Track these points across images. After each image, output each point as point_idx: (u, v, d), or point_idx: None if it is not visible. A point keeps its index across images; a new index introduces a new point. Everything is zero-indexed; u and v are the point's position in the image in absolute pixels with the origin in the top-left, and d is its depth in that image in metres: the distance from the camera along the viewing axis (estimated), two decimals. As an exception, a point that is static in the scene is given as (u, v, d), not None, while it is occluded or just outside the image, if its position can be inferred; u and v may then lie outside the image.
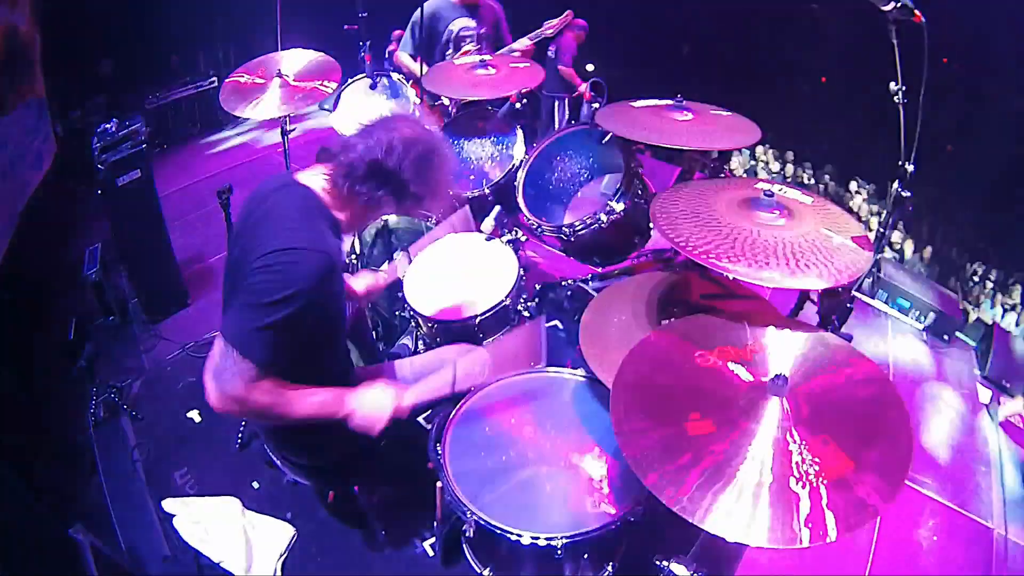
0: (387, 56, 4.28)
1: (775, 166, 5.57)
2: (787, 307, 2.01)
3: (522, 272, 2.31)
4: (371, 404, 1.59)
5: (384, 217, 2.73)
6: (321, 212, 1.54)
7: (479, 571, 1.78)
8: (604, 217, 2.24)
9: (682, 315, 1.58)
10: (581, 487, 1.69)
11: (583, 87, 3.14)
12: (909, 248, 4.55)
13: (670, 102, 2.21)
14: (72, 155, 4.22)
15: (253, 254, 1.43)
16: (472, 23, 3.30)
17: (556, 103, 5.78)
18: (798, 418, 1.25)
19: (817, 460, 1.18)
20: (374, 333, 2.77)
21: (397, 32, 3.40)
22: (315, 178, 1.57)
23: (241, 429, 2.53)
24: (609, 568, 1.70)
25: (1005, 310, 3.96)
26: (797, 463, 1.17)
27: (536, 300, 2.42)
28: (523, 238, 2.43)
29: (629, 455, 1.22)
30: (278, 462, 1.94)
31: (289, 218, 1.48)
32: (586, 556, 1.62)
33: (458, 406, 1.90)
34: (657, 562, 1.43)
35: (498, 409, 1.91)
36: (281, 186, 1.57)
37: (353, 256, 2.69)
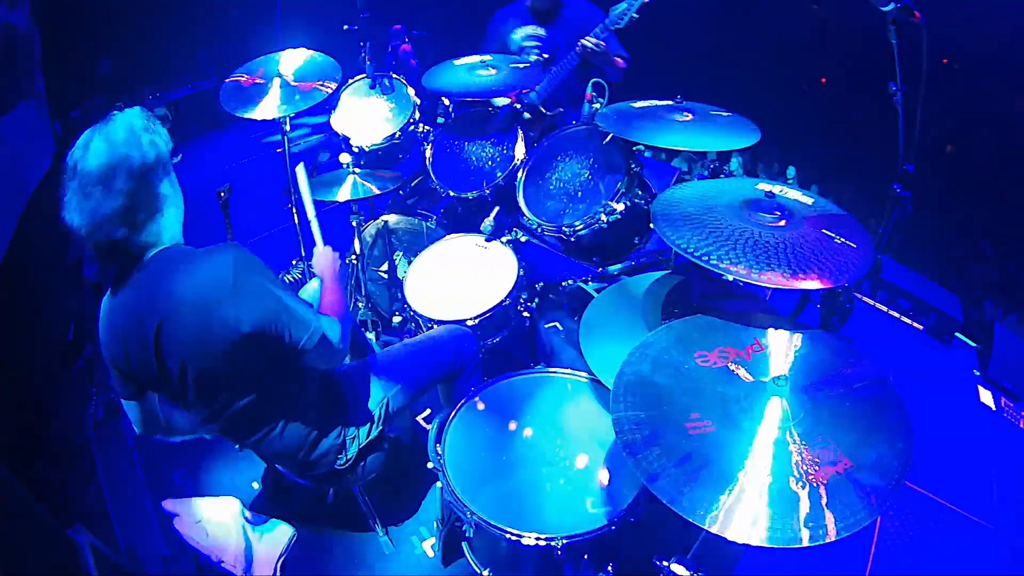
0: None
1: (775, 166, 5.59)
2: (788, 308, 2.01)
3: (522, 272, 2.31)
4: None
5: (384, 217, 2.73)
6: (177, 258, 1.44)
7: (479, 571, 1.78)
8: (604, 217, 2.24)
9: (682, 315, 1.58)
10: (581, 487, 1.70)
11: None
12: (909, 248, 4.55)
13: (670, 102, 2.21)
14: (72, 155, 4.21)
15: (207, 335, 1.40)
16: (540, 31, 3.01)
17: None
18: (798, 418, 1.25)
19: (817, 460, 1.18)
20: (374, 334, 2.78)
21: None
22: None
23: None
24: (609, 568, 1.70)
25: (1006, 310, 3.96)
26: (797, 463, 1.17)
27: (536, 300, 2.42)
28: (523, 238, 2.43)
29: (629, 455, 1.22)
30: (278, 464, 1.94)
31: (185, 285, 1.39)
32: (586, 556, 1.62)
33: (458, 406, 1.90)
34: (657, 562, 1.43)
35: (498, 409, 1.91)
36: (144, 281, 1.43)
37: (353, 256, 2.69)
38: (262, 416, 1.64)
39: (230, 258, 1.41)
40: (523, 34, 3.04)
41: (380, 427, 1.86)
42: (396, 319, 2.56)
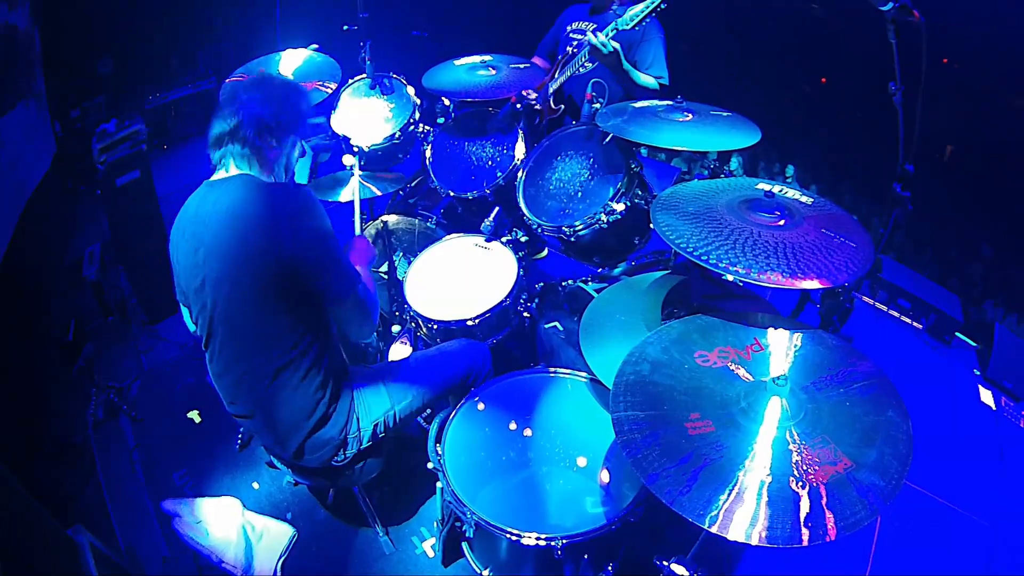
0: None
1: (775, 166, 5.60)
2: (787, 307, 2.01)
3: (522, 272, 2.31)
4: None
5: (384, 217, 2.73)
6: (257, 183, 1.64)
7: (479, 571, 1.78)
8: (604, 217, 2.24)
9: (682, 315, 1.58)
10: (581, 487, 1.70)
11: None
12: (909, 248, 4.56)
13: (670, 102, 2.21)
14: (72, 155, 4.21)
15: (253, 249, 1.55)
16: (590, 26, 2.86)
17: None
18: (798, 418, 1.25)
19: (817, 460, 1.18)
20: (375, 333, 2.77)
21: None
22: (232, 166, 1.65)
23: (241, 429, 2.53)
24: (609, 568, 1.70)
25: (1005, 310, 3.96)
26: (797, 463, 1.17)
27: (536, 300, 2.42)
28: (523, 238, 2.43)
29: (629, 455, 1.23)
30: (278, 462, 1.94)
31: (251, 202, 1.58)
32: (586, 556, 1.62)
33: (458, 406, 1.90)
34: (657, 562, 1.43)
35: (498, 409, 1.91)
36: (216, 191, 1.63)
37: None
38: (288, 357, 1.65)
39: (301, 194, 1.61)
40: (573, 26, 2.98)
41: (383, 434, 1.86)
42: (395, 328, 2.56)
